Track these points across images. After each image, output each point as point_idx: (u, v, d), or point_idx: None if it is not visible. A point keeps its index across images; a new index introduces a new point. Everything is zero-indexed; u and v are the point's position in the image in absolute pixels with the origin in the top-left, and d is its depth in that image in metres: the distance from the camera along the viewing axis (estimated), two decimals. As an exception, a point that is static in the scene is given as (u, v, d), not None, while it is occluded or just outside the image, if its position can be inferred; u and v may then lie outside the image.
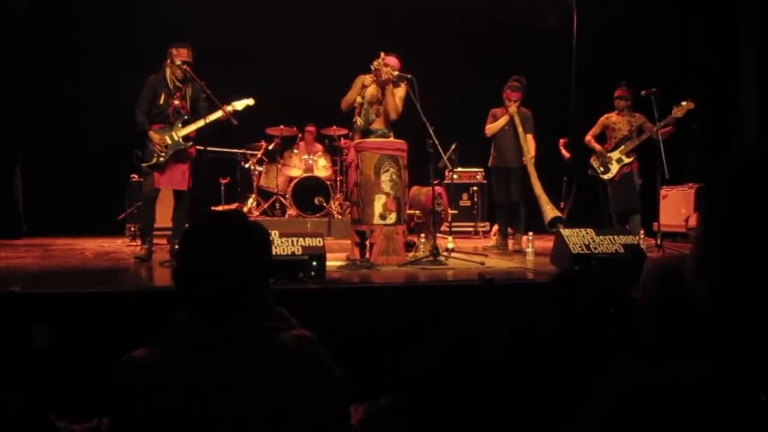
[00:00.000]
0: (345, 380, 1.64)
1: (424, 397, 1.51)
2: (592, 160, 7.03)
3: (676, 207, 8.26)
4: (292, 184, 8.64)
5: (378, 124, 5.71)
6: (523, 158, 6.62)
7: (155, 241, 5.81)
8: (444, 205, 6.48)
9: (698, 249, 1.06)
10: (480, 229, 9.11)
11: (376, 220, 5.36)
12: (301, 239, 4.38)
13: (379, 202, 5.37)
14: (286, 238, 4.35)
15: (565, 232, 4.89)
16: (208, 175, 5.89)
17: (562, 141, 8.79)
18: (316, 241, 4.41)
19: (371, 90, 5.71)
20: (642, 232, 6.35)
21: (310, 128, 9.33)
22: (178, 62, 5.58)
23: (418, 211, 6.46)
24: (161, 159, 5.56)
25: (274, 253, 3.65)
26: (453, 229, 7.33)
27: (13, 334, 3.39)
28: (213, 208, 7.76)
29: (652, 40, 9.25)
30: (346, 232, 6.77)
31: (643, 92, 6.52)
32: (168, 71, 5.66)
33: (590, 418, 1.09)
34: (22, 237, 7.97)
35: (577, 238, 4.78)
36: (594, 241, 4.77)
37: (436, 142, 5.56)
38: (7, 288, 3.66)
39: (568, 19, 7.58)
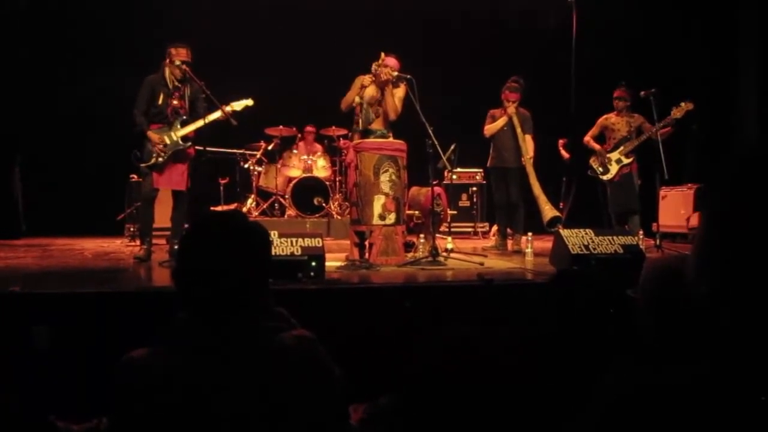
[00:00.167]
0: (345, 380, 1.64)
1: (424, 398, 1.51)
2: (591, 160, 7.03)
3: (676, 208, 8.26)
4: (291, 185, 8.63)
5: (377, 125, 5.72)
6: (522, 159, 6.62)
7: (154, 241, 5.81)
8: (443, 205, 6.48)
9: (699, 249, 1.06)
10: (479, 230, 9.12)
11: (376, 221, 5.36)
12: (300, 239, 4.38)
13: (378, 203, 5.37)
14: (285, 239, 4.35)
15: (565, 232, 4.90)
16: (207, 176, 5.89)
17: (561, 141, 8.79)
18: (316, 242, 4.41)
19: (371, 90, 5.72)
20: (641, 232, 6.36)
21: (310, 129, 9.33)
22: (177, 62, 5.57)
23: (417, 212, 6.46)
24: (160, 159, 5.55)
25: (273, 253, 3.65)
26: (452, 229, 7.33)
27: (13, 334, 3.39)
28: (212, 208, 7.76)
29: (652, 40, 9.25)
30: (346, 232, 6.77)
31: (642, 93, 6.52)
32: (167, 71, 5.64)
33: (590, 418, 1.09)
34: (21, 237, 7.97)
35: (577, 238, 4.78)
36: (593, 242, 4.77)
37: (436, 142, 5.56)
38: (6, 288, 3.66)
39: (568, 19, 7.58)
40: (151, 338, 1.55)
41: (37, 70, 8.48)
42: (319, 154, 9.18)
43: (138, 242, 6.32)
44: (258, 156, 8.89)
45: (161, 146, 5.53)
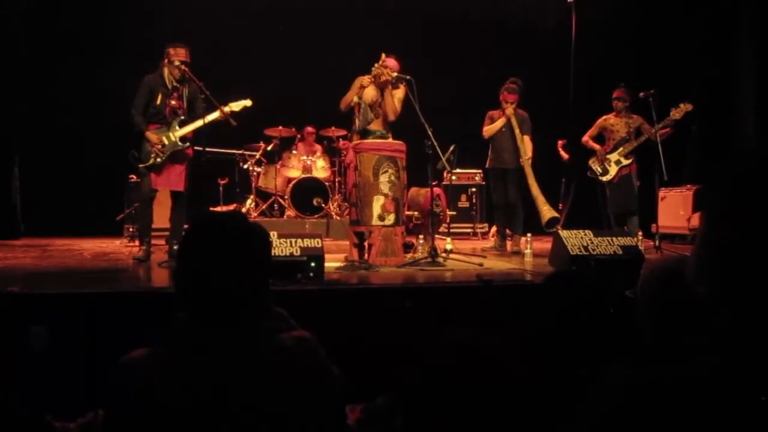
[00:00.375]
0: (344, 381, 1.64)
1: (423, 398, 1.51)
2: (590, 161, 7.04)
3: (675, 209, 8.27)
4: (290, 185, 8.63)
5: (376, 125, 5.72)
6: (520, 159, 6.63)
7: (153, 241, 5.80)
8: (442, 206, 6.48)
9: (699, 249, 1.07)
10: (478, 231, 9.12)
11: (375, 221, 5.37)
12: (299, 240, 4.38)
13: (377, 203, 5.37)
14: (284, 239, 4.35)
15: (564, 233, 4.90)
16: (206, 176, 5.88)
17: (560, 142, 8.78)
18: (315, 242, 4.41)
19: (370, 91, 5.72)
20: (640, 233, 6.36)
21: (309, 129, 9.33)
22: (176, 62, 5.54)
23: (416, 212, 6.46)
24: (158, 160, 5.53)
25: (272, 254, 3.65)
26: (451, 230, 7.33)
27: (12, 335, 3.39)
28: (211, 208, 7.75)
29: (651, 41, 9.26)
30: (345, 233, 6.77)
31: (641, 94, 6.53)
32: (165, 71, 5.62)
33: (588, 418, 1.09)
34: (20, 237, 7.97)
35: (576, 239, 4.78)
36: (592, 243, 4.77)
37: (435, 143, 5.57)
38: (5, 288, 3.65)
39: (567, 19, 7.59)
40: (150, 338, 1.55)
41: (36, 70, 8.47)
42: (318, 154, 9.18)
43: (137, 243, 6.31)
44: (257, 156, 8.88)
45: (160, 146, 5.52)
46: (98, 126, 8.26)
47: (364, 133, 5.70)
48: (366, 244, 5.39)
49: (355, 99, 5.69)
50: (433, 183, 5.98)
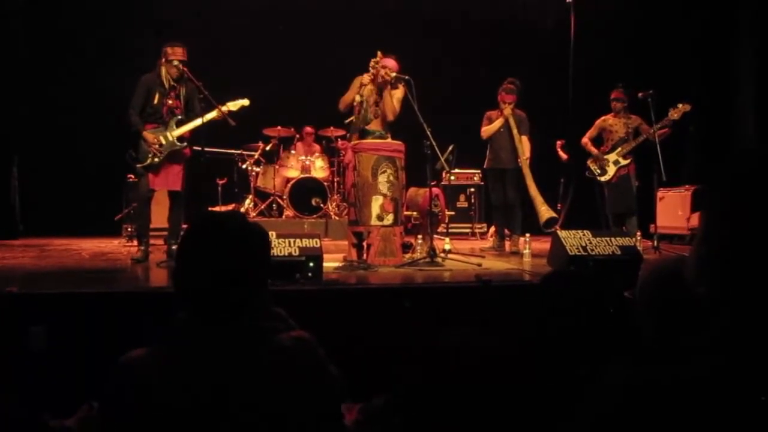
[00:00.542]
0: (343, 381, 1.64)
1: (422, 398, 1.51)
2: (589, 162, 7.05)
3: (673, 209, 8.27)
4: (289, 185, 8.63)
5: (375, 125, 5.72)
6: (518, 160, 6.63)
7: (152, 241, 5.79)
8: (441, 206, 6.49)
9: (698, 249, 1.07)
10: (477, 231, 9.11)
11: (374, 222, 5.36)
12: (298, 240, 4.38)
13: (376, 204, 5.37)
14: (283, 239, 4.35)
15: (562, 233, 4.90)
16: (205, 176, 5.87)
17: (559, 143, 8.79)
18: (313, 242, 4.41)
19: (369, 89, 5.72)
20: (639, 233, 6.37)
21: (308, 129, 9.33)
22: (176, 62, 5.51)
23: (415, 213, 6.46)
24: (156, 160, 5.51)
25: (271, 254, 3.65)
26: (450, 230, 7.34)
27: (10, 335, 3.39)
28: (210, 208, 7.75)
29: (650, 41, 9.27)
30: (344, 233, 6.77)
31: (639, 94, 6.54)
32: (163, 70, 5.58)
33: (588, 418, 1.09)
34: (18, 237, 7.97)
35: (574, 239, 4.79)
36: (591, 243, 4.78)
37: (434, 143, 5.56)
38: (4, 288, 3.65)
39: (566, 19, 7.59)
40: (149, 338, 1.55)
41: (35, 70, 8.47)
42: (317, 154, 9.17)
43: (136, 243, 6.30)
44: (256, 156, 8.88)
45: (157, 146, 5.50)
46: (97, 126, 8.25)
47: (363, 133, 5.70)
48: (364, 244, 5.39)
49: (357, 98, 5.69)
50: (432, 183, 5.98)
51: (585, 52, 7.68)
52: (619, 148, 6.83)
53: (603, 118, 7.04)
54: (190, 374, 1.45)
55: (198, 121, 5.51)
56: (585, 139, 7.09)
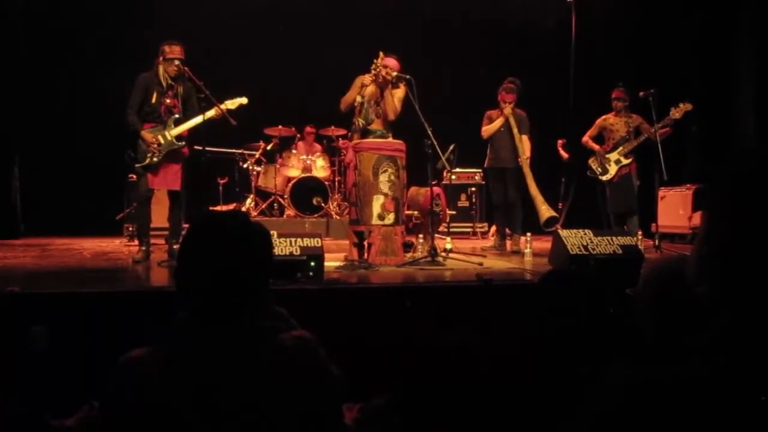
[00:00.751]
0: (344, 381, 1.64)
1: (423, 398, 1.51)
2: (590, 161, 7.04)
3: (675, 208, 8.27)
4: (290, 185, 8.63)
5: (376, 125, 5.72)
6: (519, 159, 6.63)
7: (153, 241, 5.79)
8: (442, 205, 6.48)
9: (699, 249, 1.07)
10: (478, 230, 9.12)
11: (375, 221, 5.36)
12: (299, 239, 4.38)
13: (377, 203, 5.37)
14: (284, 239, 4.35)
15: (563, 233, 4.90)
16: (206, 175, 5.86)
17: (560, 142, 8.79)
18: (315, 242, 4.41)
19: (371, 89, 5.71)
20: (640, 233, 6.36)
21: (309, 129, 9.34)
22: (176, 61, 5.49)
23: (416, 212, 6.46)
24: (155, 159, 5.49)
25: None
26: (451, 229, 7.33)
27: (12, 335, 3.39)
28: (211, 208, 7.75)
29: (651, 41, 9.27)
30: (345, 232, 6.77)
31: (641, 93, 6.53)
32: (160, 69, 5.54)
33: (589, 418, 1.09)
34: (20, 237, 7.97)
35: (575, 239, 4.79)
36: (592, 242, 4.78)
37: (435, 142, 5.56)
38: (5, 288, 3.65)
39: (567, 19, 7.59)
40: (150, 338, 1.55)
41: (35, 70, 8.47)
42: (318, 154, 9.18)
43: (136, 242, 6.30)
44: (257, 156, 8.89)
45: (156, 146, 5.47)
46: (98, 126, 8.25)
47: (364, 133, 5.70)
48: (366, 243, 5.39)
49: (359, 98, 5.69)
50: (433, 182, 5.98)
51: (585, 51, 7.68)
52: (621, 148, 6.83)
53: (604, 117, 7.04)
54: (190, 374, 1.45)
55: (197, 120, 5.48)
56: (586, 138, 7.09)
